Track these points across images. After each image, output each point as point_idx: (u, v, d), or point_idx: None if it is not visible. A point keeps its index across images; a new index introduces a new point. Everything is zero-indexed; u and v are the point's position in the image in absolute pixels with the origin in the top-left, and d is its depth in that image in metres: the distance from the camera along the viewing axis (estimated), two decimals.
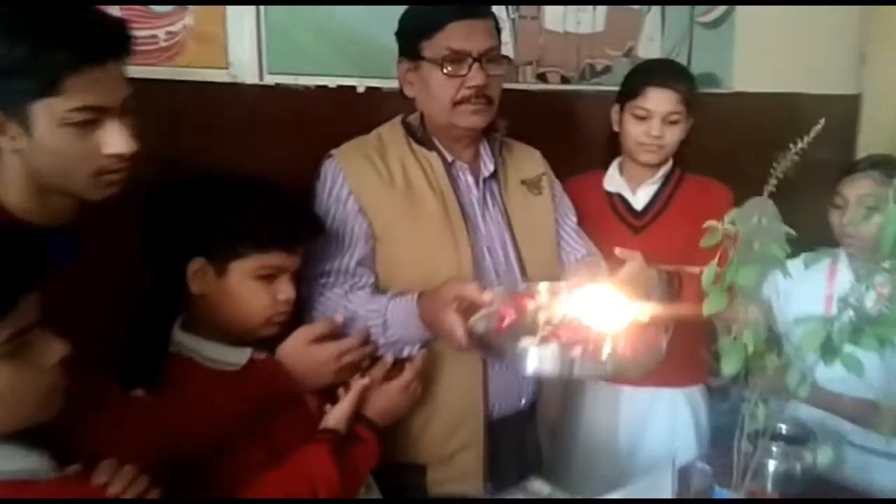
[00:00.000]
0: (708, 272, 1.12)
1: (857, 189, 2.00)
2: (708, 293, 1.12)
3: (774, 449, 1.59)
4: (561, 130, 2.36)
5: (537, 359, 1.36)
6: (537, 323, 1.43)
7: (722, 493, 1.35)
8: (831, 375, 1.22)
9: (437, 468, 1.70)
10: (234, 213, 1.42)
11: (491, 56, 1.62)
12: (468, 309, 1.47)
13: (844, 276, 2.06)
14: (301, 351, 1.48)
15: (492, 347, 1.42)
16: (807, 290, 2.02)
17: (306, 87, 1.85)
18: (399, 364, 1.58)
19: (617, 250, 1.72)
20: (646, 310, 1.39)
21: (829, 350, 1.04)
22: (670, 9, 2.64)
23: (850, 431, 1.96)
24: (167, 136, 1.60)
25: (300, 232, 1.50)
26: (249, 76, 1.76)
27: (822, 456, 1.65)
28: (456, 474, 1.70)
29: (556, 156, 2.10)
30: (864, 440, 1.93)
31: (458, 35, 1.58)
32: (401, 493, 1.68)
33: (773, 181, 1.10)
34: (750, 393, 1.18)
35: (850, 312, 1.02)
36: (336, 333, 1.54)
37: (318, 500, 1.30)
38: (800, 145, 1.07)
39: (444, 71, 1.59)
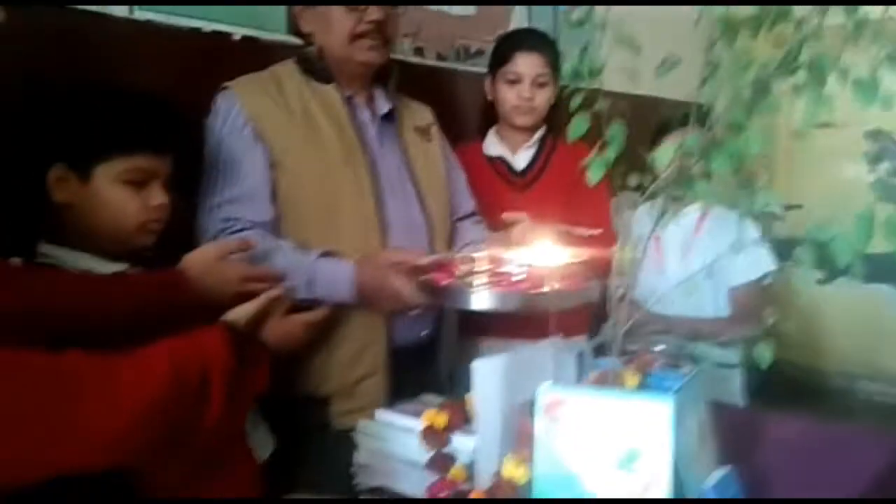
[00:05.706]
0: None
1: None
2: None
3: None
4: (436, 106, 2.37)
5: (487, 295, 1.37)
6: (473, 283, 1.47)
7: (604, 362, 1.30)
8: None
9: (341, 399, 1.63)
10: (94, 114, 1.34)
11: None
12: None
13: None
14: (209, 263, 1.39)
15: (439, 294, 1.45)
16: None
17: (178, 28, 1.79)
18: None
19: (504, 214, 1.79)
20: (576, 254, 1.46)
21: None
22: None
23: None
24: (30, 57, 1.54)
25: (168, 131, 1.41)
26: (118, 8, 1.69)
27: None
28: (359, 404, 1.61)
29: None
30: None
31: None
32: (303, 426, 1.60)
33: None
34: None
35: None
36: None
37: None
38: None
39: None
